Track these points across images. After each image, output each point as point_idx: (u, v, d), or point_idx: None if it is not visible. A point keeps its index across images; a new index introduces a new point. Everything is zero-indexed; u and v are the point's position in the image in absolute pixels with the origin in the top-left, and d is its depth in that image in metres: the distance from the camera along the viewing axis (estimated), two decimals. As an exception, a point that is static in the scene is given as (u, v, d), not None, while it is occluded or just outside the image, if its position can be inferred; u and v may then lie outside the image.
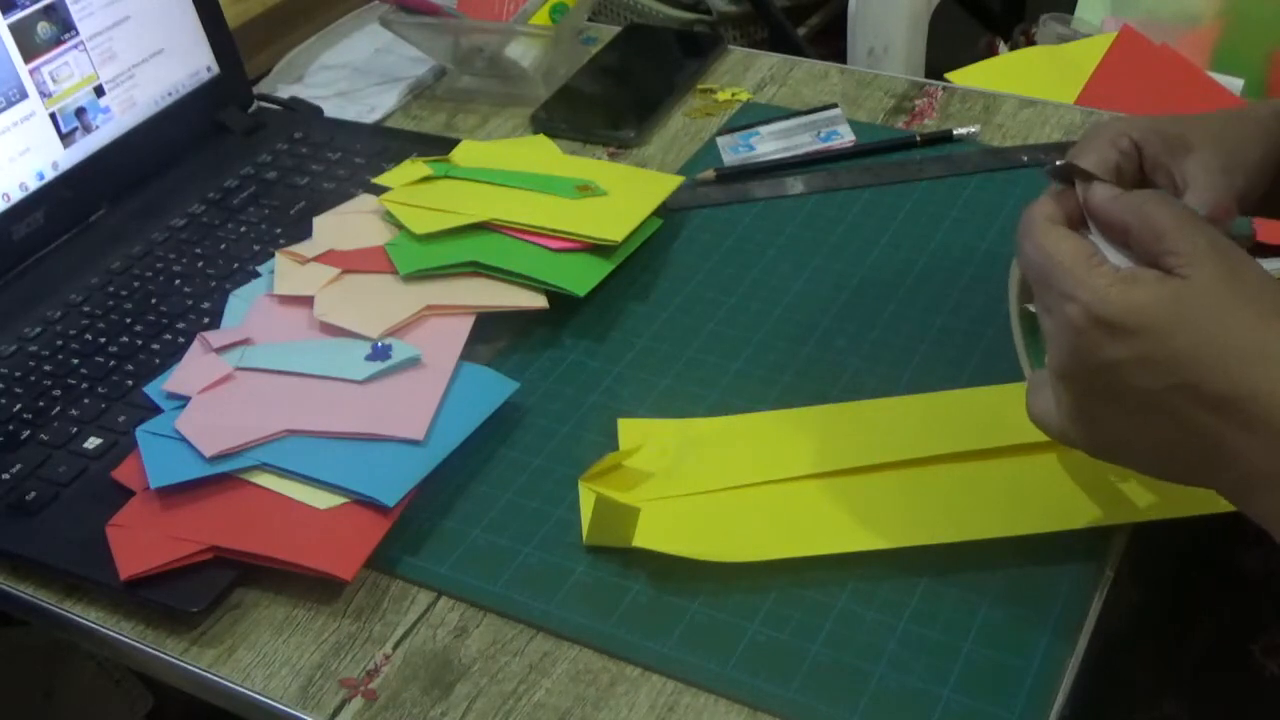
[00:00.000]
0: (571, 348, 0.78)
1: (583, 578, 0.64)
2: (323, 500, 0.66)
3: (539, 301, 0.77)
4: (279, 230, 0.87)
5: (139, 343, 0.79)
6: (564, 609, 0.62)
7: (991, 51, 1.40)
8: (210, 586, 0.64)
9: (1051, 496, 0.64)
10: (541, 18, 1.01)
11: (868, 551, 0.62)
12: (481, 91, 1.04)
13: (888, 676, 0.58)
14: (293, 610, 0.64)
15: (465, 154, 0.89)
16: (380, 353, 0.73)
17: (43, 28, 0.86)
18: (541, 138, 0.95)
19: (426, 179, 0.86)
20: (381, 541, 0.65)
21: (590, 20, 1.12)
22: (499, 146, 0.93)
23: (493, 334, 0.78)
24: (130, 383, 0.76)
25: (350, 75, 1.08)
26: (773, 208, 0.88)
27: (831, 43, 1.49)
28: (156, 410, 0.72)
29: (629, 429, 0.71)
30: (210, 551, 0.64)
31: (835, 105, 0.97)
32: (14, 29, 0.85)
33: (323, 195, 0.90)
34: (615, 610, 0.62)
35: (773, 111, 0.97)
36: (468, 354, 0.75)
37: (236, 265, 0.84)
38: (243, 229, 0.88)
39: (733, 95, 1.00)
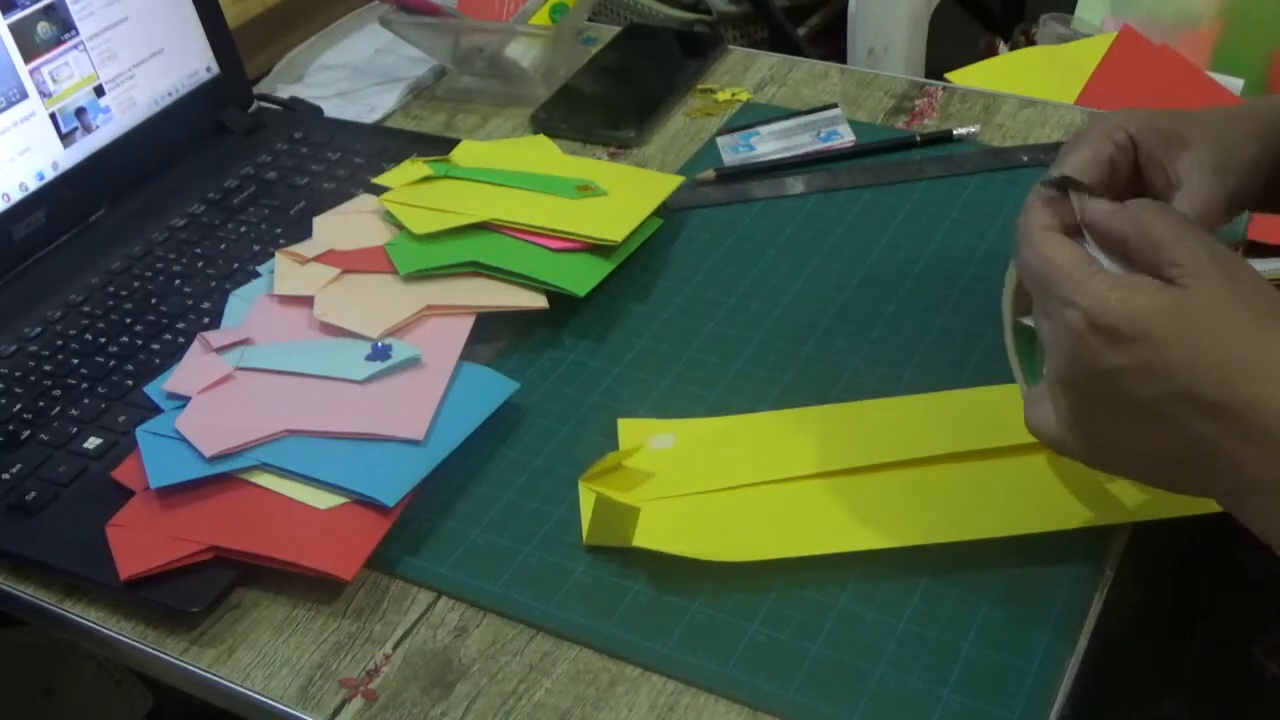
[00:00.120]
0: (571, 348, 0.78)
1: (583, 578, 0.64)
2: (323, 500, 0.66)
3: (539, 301, 0.77)
4: (279, 230, 0.87)
5: (139, 343, 0.79)
6: (564, 609, 0.62)
7: (991, 51, 1.40)
8: (210, 586, 0.64)
9: (1051, 496, 0.64)
10: (541, 18, 1.01)
11: (868, 551, 0.62)
12: (481, 91, 1.04)
13: (888, 676, 0.58)
14: (293, 610, 0.64)
15: (465, 154, 0.89)
16: (380, 353, 0.73)
17: (43, 28, 0.86)
18: (541, 138, 0.95)
19: (426, 179, 0.86)
20: (381, 541, 0.65)
21: (590, 20, 1.12)
22: (499, 146, 0.93)
23: (493, 334, 0.78)
24: (130, 383, 0.76)
25: (350, 75, 1.08)
26: (773, 208, 0.88)
27: (831, 43, 1.49)
28: (156, 410, 0.72)
29: (629, 429, 0.71)
30: (210, 551, 0.64)
31: (835, 105, 0.97)
32: (14, 29, 0.85)
33: (323, 195, 0.90)
34: (615, 610, 0.62)
35: (773, 111, 0.97)
36: (468, 354, 0.75)
37: (236, 265, 0.84)
38: (243, 229, 0.88)
39: (733, 95, 1.00)
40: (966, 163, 0.90)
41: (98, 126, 0.91)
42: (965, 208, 0.86)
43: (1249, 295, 0.50)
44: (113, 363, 0.77)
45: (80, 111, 0.89)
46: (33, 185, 0.87)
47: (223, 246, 0.86)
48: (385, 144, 0.95)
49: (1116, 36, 1.19)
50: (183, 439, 0.69)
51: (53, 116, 0.88)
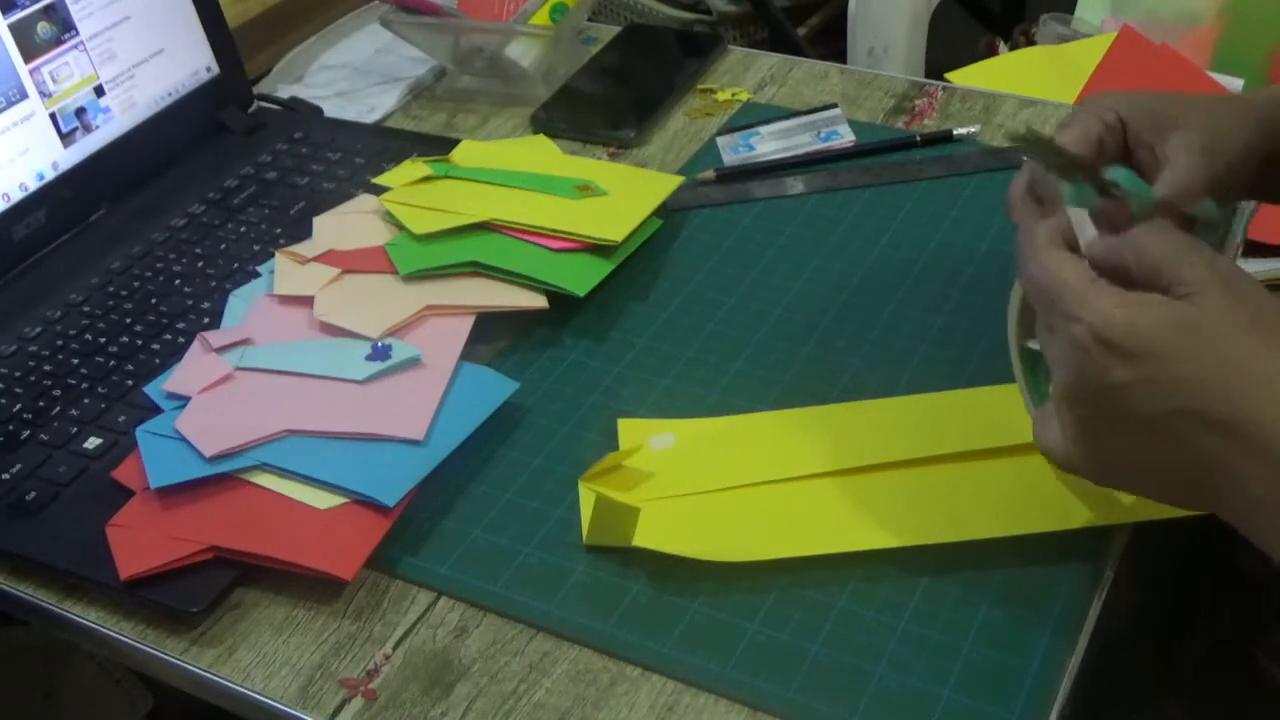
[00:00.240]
0: (571, 348, 0.78)
1: (583, 578, 0.64)
2: (323, 500, 0.66)
3: (539, 301, 0.77)
4: (279, 230, 0.87)
5: (139, 343, 0.79)
6: (564, 609, 0.62)
7: (991, 51, 1.40)
8: (210, 586, 0.64)
9: (1051, 496, 0.64)
10: (541, 18, 1.01)
11: (868, 551, 0.62)
12: (481, 91, 1.04)
13: (888, 676, 0.58)
14: (293, 610, 0.64)
15: (465, 154, 0.89)
16: (380, 353, 0.73)
17: (43, 28, 0.86)
18: (541, 138, 0.95)
19: (426, 179, 0.86)
20: (381, 541, 0.65)
21: (590, 20, 1.12)
22: (499, 146, 0.93)
23: (493, 334, 0.78)
24: (130, 383, 0.76)
25: (350, 75, 1.08)
26: (773, 208, 0.88)
27: (831, 43, 1.49)
28: (156, 410, 0.72)
29: (629, 429, 0.71)
30: (210, 551, 0.64)
31: (835, 105, 0.97)
32: (14, 29, 0.85)
33: (323, 195, 0.90)
34: (615, 610, 0.62)
35: (773, 111, 0.97)
36: (468, 354, 0.75)
37: (236, 265, 0.84)
38: (243, 229, 0.88)
39: (733, 95, 1.00)
40: (966, 163, 0.90)
41: (98, 126, 0.91)
42: (965, 208, 0.86)
43: (1254, 309, 0.50)
44: (113, 363, 0.77)
45: (80, 111, 0.89)
46: (33, 185, 0.87)
47: (223, 246, 0.86)
48: (385, 144, 0.95)
49: (1116, 36, 1.19)
50: (183, 439, 0.69)
51: (53, 116, 0.88)
